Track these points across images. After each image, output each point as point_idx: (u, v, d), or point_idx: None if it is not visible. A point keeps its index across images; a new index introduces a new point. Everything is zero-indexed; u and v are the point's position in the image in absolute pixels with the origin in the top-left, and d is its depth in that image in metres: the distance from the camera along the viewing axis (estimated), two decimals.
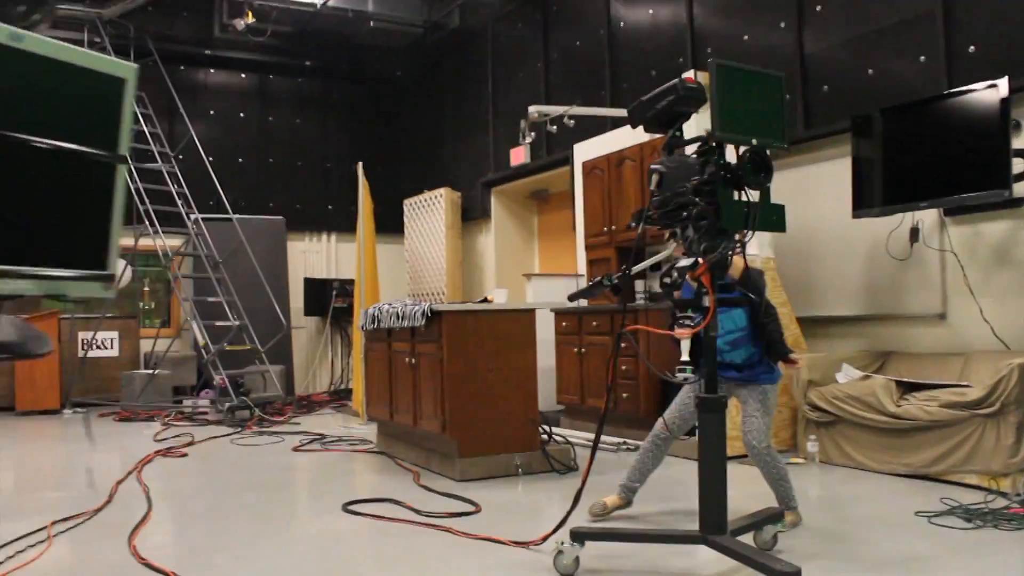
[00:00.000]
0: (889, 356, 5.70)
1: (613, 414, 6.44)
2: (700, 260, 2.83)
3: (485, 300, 5.36)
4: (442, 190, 10.42)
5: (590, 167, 7.15)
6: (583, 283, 7.70)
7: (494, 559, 3.41)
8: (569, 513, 3.28)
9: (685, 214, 2.92)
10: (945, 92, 5.14)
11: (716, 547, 2.92)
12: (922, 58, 5.56)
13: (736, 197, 2.87)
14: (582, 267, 7.71)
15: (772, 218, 2.91)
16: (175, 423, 8.09)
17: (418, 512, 4.19)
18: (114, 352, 10.11)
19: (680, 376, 3.67)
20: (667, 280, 3.13)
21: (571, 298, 3.35)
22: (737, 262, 3.73)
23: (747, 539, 3.29)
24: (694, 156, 3.01)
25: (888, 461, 4.94)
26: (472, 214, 10.58)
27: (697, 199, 2.84)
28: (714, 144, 2.89)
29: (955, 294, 5.44)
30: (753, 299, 3.40)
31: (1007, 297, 5.15)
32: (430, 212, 10.64)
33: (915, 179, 5.26)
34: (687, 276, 2.89)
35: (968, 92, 4.94)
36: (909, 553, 3.37)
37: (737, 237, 2.93)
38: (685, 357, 3.65)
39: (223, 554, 3.59)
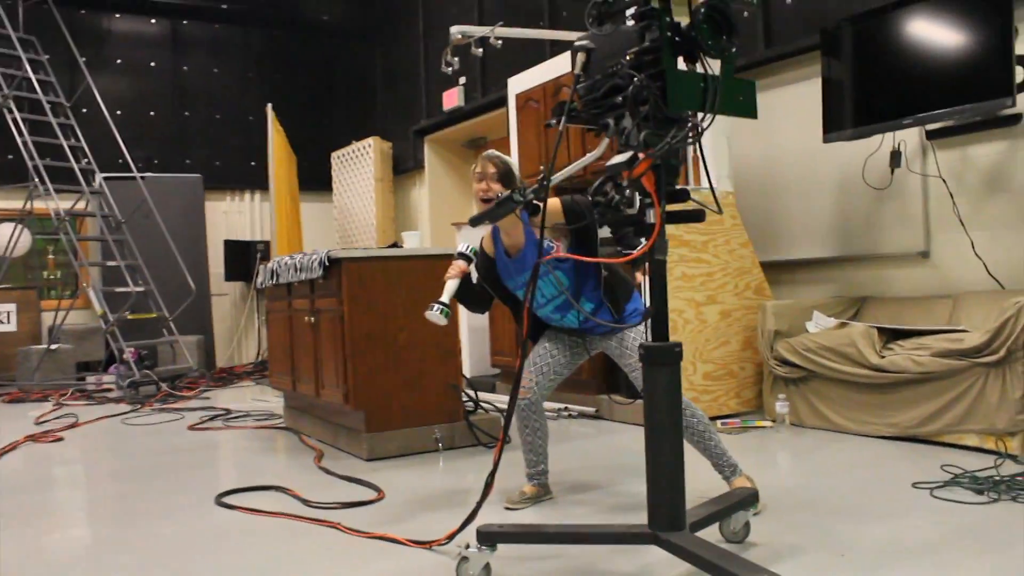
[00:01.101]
0: (865, 301, 4.99)
1: None
2: (640, 155, 2.04)
3: (395, 245, 4.54)
4: (371, 140, 9.52)
5: (524, 99, 6.32)
6: None
7: (387, 564, 2.63)
8: (479, 506, 2.50)
9: (620, 98, 2.13)
10: None
11: (671, 549, 2.16)
12: None
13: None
14: None
15: (738, 98, 2.12)
16: (70, 403, 7.18)
17: (306, 503, 3.39)
18: (11, 327, 9.12)
19: (431, 312, 2.98)
20: (600, 198, 2.35)
21: (473, 222, 2.57)
22: (551, 204, 3.06)
23: (711, 531, 2.56)
24: (632, 24, 2.21)
25: (870, 421, 4.24)
26: (404, 166, 9.71)
27: (636, 75, 2.05)
28: (658, 1, 2.10)
29: (940, 228, 4.73)
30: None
31: (1000, 230, 4.45)
32: (359, 165, 9.75)
33: (896, 94, 4.51)
34: (617, 181, 2.10)
35: None
36: (917, 539, 2.64)
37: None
38: (445, 297, 3.04)
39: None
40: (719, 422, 4.72)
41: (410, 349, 4.32)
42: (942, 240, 4.73)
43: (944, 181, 4.57)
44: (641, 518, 2.29)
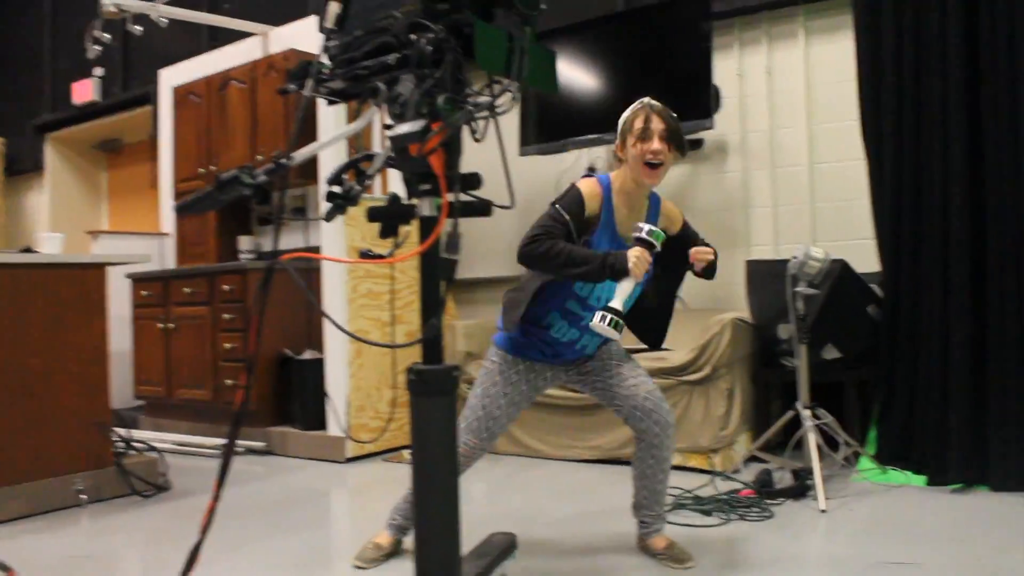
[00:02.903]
0: None
1: (213, 406, 5.00)
2: (433, 125, 1.60)
3: (29, 250, 3.65)
4: None
5: (183, 93, 5.56)
6: (170, 245, 6.07)
7: None
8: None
9: (396, 58, 1.68)
10: (629, 9, 4.43)
11: None
12: None
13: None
14: (169, 225, 6.07)
15: (543, 67, 1.77)
16: None
17: None
18: None
19: (600, 322, 2.16)
20: (336, 189, 1.88)
21: (180, 209, 1.95)
22: (673, 210, 2.60)
23: None
24: None
25: (571, 445, 4.10)
26: (20, 166, 8.30)
27: (432, 27, 1.62)
28: None
29: None
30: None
31: None
32: None
33: (584, 112, 4.49)
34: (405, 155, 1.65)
35: (661, 8, 4.26)
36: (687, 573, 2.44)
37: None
38: (617, 302, 2.16)
39: None
40: (404, 452, 4.36)
41: (45, 380, 3.46)
42: None
43: None
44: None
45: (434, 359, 1.79)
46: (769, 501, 3.10)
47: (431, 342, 1.79)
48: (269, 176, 1.87)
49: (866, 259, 3.79)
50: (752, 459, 3.66)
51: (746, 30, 4.44)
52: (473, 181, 1.77)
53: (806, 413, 3.24)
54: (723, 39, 4.40)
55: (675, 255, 2.43)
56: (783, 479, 3.27)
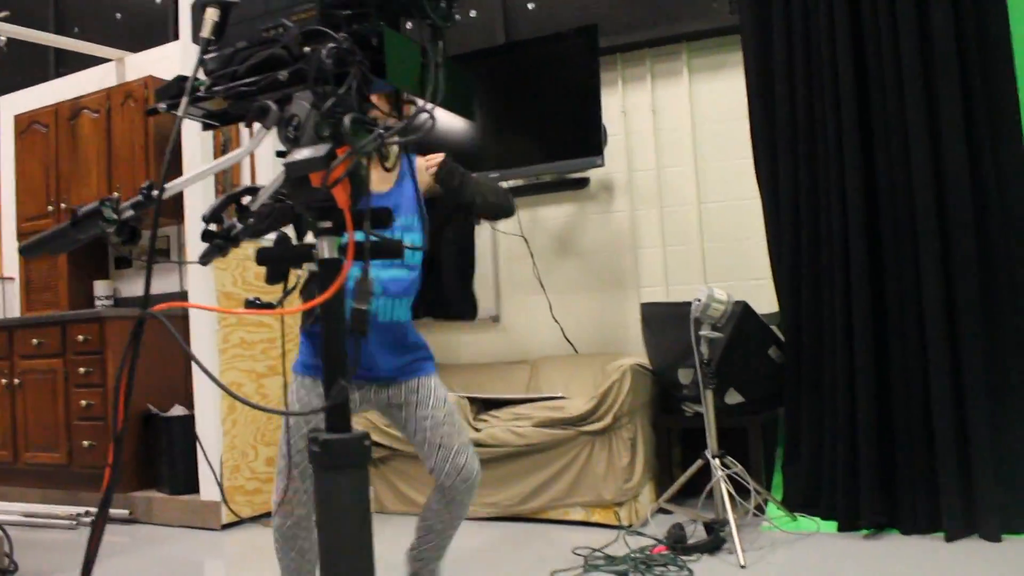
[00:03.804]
0: (437, 369, 4.65)
1: (68, 470, 4.54)
2: (338, 150, 1.35)
3: None
4: None
5: (27, 122, 5.09)
6: (13, 290, 5.54)
7: None
8: None
9: (285, 75, 1.44)
10: (511, 42, 4.28)
11: None
12: (472, 14, 4.64)
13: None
14: (12, 268, 5.55)
15: (460, 89, 1.55)
16: None
17: None
18: None
19: None
20: (214, 227, 1.62)
21: (28, 250, 1.60)
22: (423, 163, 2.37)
23: None
24: None
25: None
26: None
27: (331, 33, 1.38)
28: None
29: (509, 292, 4.58)
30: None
31: (567, 294, 4.41)
32: None
33: (474, 148, 4.31)
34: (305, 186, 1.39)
35: (544, 41, 4.14)
36: None
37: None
38: None
39: None
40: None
41: None
42: (511, 303, 4.58)
43: (526, 241, 4.42)
44: None
45: (341, 427, 1.53)
46: (685, 558, 2.92)
47: (337, 408, 1.53)
48: (136, 210, 1.59)
49: (759, 300, 3.70)
50: (659, 511, 3.50)
51: (629, 66, 4.36)
52: (384, 217, 1.53)
53: (715, 462, 3.09)
54: (607, 75, 4.30)
55: (453, 211, 2.43)
56: (695, 532, 3.11)
